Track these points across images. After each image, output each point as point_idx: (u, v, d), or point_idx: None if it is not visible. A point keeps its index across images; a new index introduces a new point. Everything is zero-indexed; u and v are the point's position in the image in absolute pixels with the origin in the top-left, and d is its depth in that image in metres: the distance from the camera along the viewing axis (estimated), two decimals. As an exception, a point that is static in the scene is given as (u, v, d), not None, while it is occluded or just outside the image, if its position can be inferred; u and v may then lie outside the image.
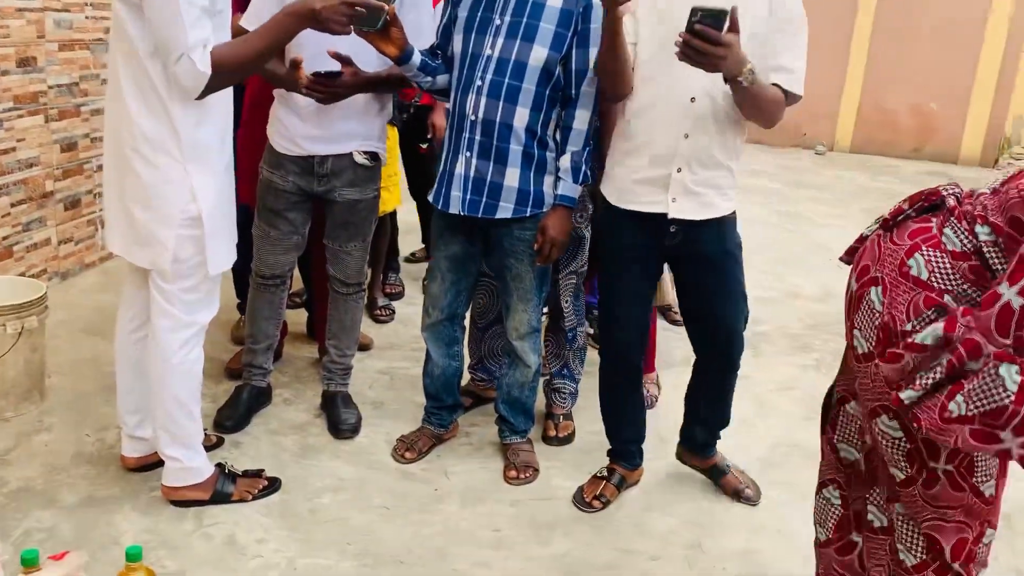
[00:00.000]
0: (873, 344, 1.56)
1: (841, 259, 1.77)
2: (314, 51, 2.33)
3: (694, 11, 1.80)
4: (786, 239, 5.64)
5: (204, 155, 2.11)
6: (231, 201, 2.26)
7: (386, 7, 2.14)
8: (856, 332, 1.62)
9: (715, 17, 1.80)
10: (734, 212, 2.32)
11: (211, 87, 2.01)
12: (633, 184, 2.25)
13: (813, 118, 9.54)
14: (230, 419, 2.79)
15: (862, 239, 1.72)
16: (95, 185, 3.98)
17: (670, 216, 2.21)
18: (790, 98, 2.15)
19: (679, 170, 2.18)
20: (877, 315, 1.55)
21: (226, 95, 2.18)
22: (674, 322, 3.80)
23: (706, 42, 1.83)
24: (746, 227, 2.52)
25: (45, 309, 2.81)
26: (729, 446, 2.69)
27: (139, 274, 2.29)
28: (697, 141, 2.16)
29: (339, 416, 2.81)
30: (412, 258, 4.65)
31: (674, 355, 3.48)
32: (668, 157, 2.18)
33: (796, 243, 5.57)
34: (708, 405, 2.54)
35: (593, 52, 2.31)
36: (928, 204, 1.61)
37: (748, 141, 2.33)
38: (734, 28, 1.87)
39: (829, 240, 5.42)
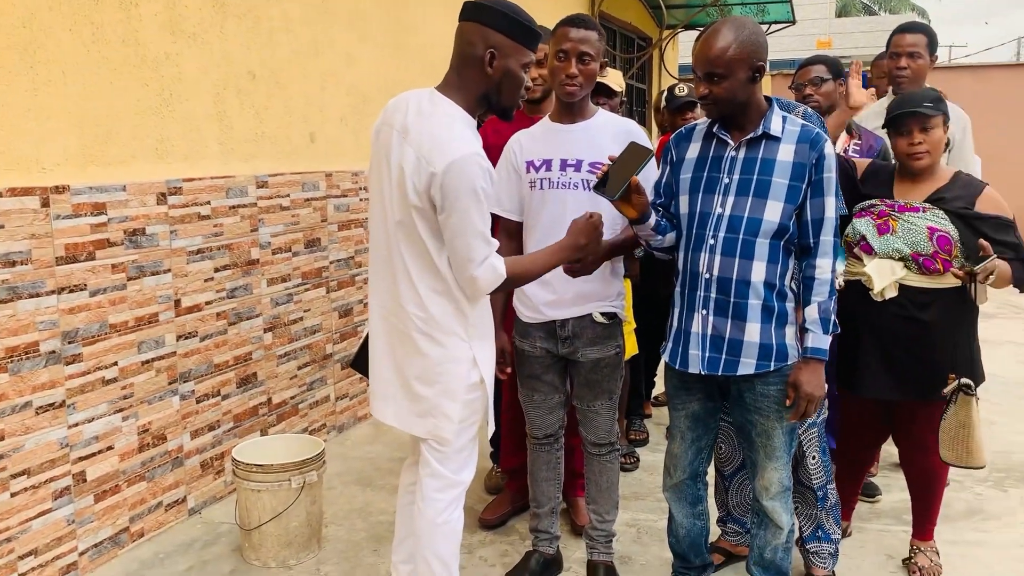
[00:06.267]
0: None
1: None
2: (547, 227, 2.55)
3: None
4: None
5: (483, 328, 2.32)
6: (494, 362, 2.43)
7: (631, 178, 2.28)
8: None
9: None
10: None
11: (499, 290, 2.24)
12: None
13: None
14: None
15: None
16: (366, 345, 4.42)
17: None
18: None
19: None
20: None
21: None
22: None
23: None
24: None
25: (323, 464, 3.12)
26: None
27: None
28: None
29: None
30: (656, 402, 4.63)
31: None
32: None
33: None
34: None
35: (830, 201, 2.29)
36: None
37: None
38: None
39: None
